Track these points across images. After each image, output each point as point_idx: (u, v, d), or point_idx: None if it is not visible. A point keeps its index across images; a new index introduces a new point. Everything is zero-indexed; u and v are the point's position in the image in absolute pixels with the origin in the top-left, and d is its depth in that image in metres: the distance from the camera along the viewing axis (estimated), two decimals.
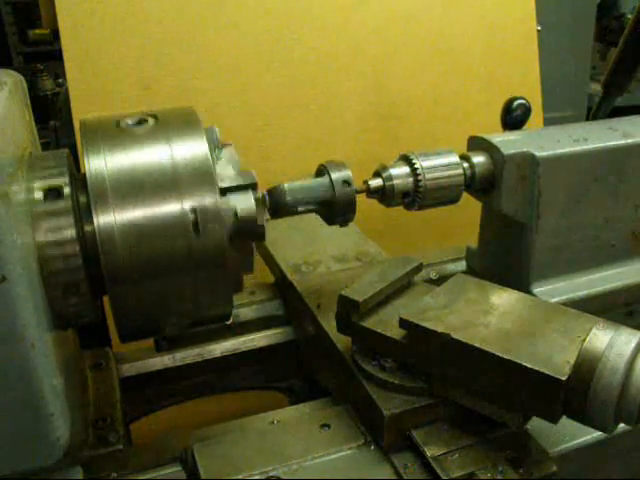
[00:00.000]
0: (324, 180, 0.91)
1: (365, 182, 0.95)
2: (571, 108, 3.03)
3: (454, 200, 1.00)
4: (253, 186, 0.77)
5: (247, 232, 0.75)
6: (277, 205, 0.89)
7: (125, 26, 1.35)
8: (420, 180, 0.95)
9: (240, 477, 0.75)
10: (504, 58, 1.69)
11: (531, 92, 1.71)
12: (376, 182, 0.96)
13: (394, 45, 1.58)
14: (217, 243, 0.71)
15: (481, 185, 1.00)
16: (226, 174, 0.76)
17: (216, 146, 0.79)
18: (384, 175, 0.96)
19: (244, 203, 0.74)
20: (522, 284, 1.02)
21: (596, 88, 2.08)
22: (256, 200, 0.75)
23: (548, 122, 1.70)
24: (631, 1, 3.29)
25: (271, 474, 0.76)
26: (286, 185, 0.89)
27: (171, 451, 0.87)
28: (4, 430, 0.64)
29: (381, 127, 1.60)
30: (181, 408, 1.13)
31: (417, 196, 0.96)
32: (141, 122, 0.75)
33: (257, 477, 0.75)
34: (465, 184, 0.99)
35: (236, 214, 0.73)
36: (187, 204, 0.69)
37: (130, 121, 0.75)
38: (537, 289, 1.03)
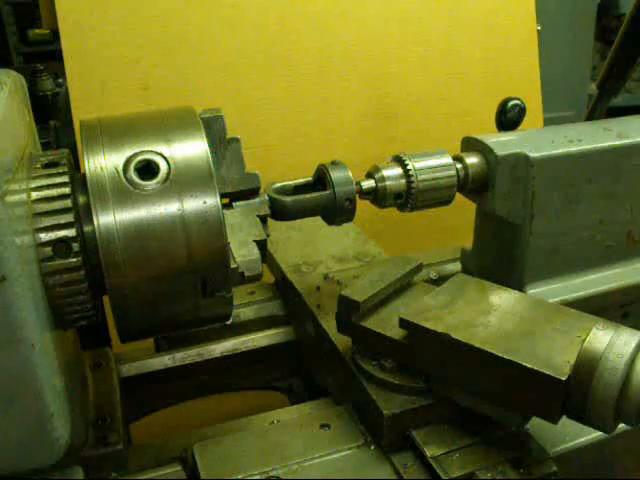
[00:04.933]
0: (327, 194, 0.91)
1: (357, 183, 0.95)
2: (571, 108, 3.04)
3: (447, 201, 1.00)
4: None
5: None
6: (277, 213, 0.89)
7: (125, 26, 1.36)
8: (412, 181, 0.95)
9: (240, 477, 0.75)
10: (504, 58, 1.68)
11: (531, 92, 1.71)
12: (368, 183, 0.95)
13: (394, 45, 1.58)
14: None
15: (474, 186, 1.00)
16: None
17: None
18: (376, 176, 0.95)
19: (251, 269, 0.76)
20: (516, 285, 1.01)
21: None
22: (261, 250, 0.77)
23: (548, 122, 1.69)
24: (631, 1, 3.29)
25: (271, 474, 0.76)
26: (289, 199, 0.89)
27: (171, 451, 0.87)
28: (4, 430, 0.64)
29: (381, 127, 1.59)
30: (181, 408, 1.13)
31: (409, 197, 0.96)
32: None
33: (257, 477, 0.75)
34: (458, 185, 0.98)
35: (242, 275, 0.75)
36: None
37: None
38: (531, 290, 1.02)
